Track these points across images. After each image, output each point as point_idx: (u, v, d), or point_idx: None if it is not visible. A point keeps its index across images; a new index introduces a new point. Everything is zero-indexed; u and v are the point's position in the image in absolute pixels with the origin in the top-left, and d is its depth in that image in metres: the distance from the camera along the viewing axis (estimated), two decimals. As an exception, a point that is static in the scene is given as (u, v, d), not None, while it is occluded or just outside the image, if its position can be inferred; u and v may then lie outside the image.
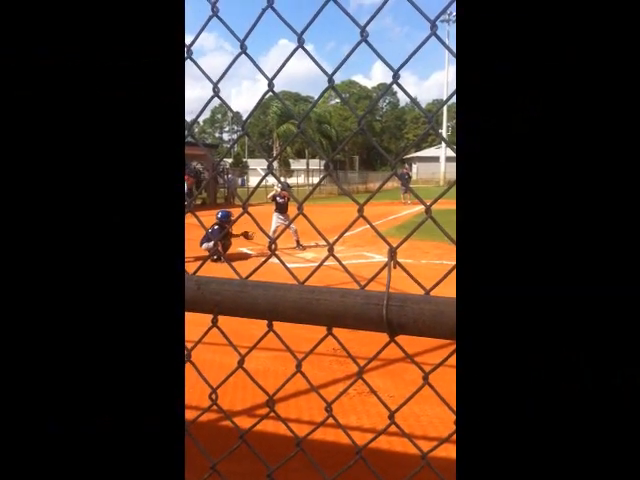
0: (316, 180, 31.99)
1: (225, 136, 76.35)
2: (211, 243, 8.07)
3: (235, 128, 72.18)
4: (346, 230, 0.87)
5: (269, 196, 9.65)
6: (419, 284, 0.80)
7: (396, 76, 0.79)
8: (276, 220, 9.30)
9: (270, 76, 0.87)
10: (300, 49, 0.85)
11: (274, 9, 0.85)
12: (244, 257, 8.49)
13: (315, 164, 37.44)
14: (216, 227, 7.95)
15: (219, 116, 75.43)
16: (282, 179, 11.02)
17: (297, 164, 40.46)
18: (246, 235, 8.04)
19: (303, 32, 0.82)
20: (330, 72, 0.84)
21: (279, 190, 9.39)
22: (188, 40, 0.93)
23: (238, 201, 22.49)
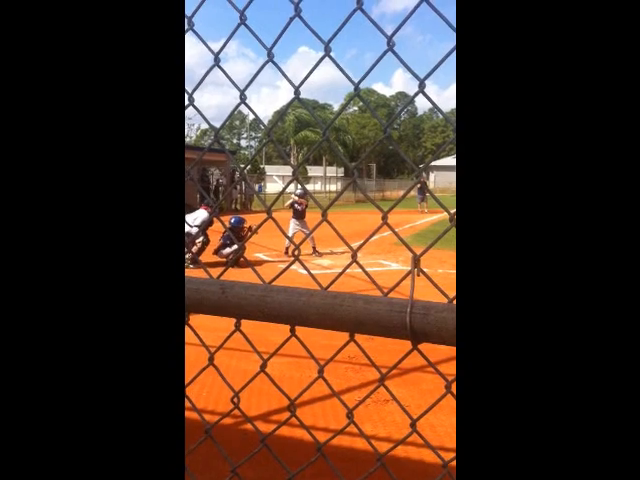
0: (332, 187, 32.06)
1: (243, 142, 76.91)
2: (226, 249, 8.13)
3: (253, 135, 72.62)
4: (370, 237, 0.87)
5: (287, 204, 9.73)
6: (443, 293, 0.79)
7: (422, 85, 0.79)
8: (293, 227, 9.36)
9: (292, 84, 0.88)
10: (320, 56, 0.86)
11: (301, 18, 0.86)
12: (259, 263, 8.52)
13: (330, 171, 37.52)
14: (227, 234, 8.02)
15: (237, 122, 75.96)
16: (299, 186, 11.07)
17: (312, 171, 40.59)
18: (250, 229, 8.19)
19: (330, 40, 0.83)
20: (349, 79, 0.85)
21: (296, 198, 9.47)
22: (215, 47, 0.94)
23: (255, 207, 22.62)
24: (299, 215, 9.47)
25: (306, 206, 9.49)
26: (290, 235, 9.06)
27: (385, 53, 0.80)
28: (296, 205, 9.48)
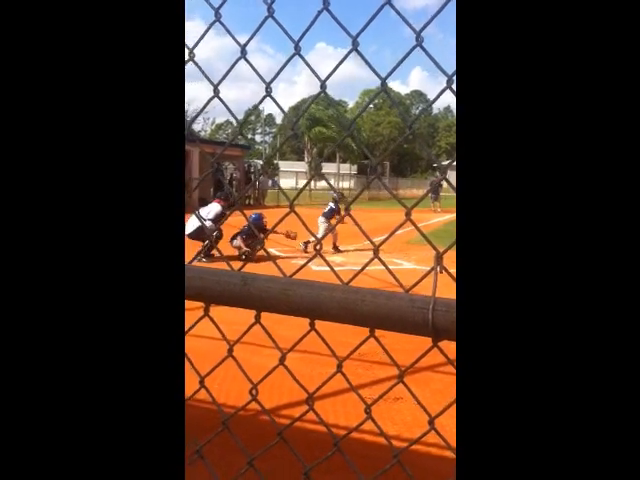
0: (345, 184, 32.05)
1: (257, 137, 77.05)
2: (235, 241, 8.12)
3: (267, 130, 72.75)
4: (392, 233, 0.87)
5: (327, 207, 9.63)
6: (465, 290, 0.79)
7: (450, 81, 0.79)
8: (322, 223, 9.33)
9: (318, 78, 0.89)
10: (345, 53, 0.86)
11: (329, 11, 0.86)
12: (272, 258, 8.53)
13: (343, 169, 37.52)
14: (246, 228, 8.01)
15: (252, 118, 76.09)
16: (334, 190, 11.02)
17: (325, 168, 40.60)
18: (288, 235, 8.06)
19: (358, 35, 0.83)
20: (377, 74, 0.85)
21: (326, 224, 9.26)
22: (242, 40, 0.95)
23: (268, 202, 22.67)
24: (328, 215, 9.42)
25: (338, 212, 9.33)
26: (321, 234, 8.82)
27: (414, 48, 0.80)
28: (332, 205, 9.37)
